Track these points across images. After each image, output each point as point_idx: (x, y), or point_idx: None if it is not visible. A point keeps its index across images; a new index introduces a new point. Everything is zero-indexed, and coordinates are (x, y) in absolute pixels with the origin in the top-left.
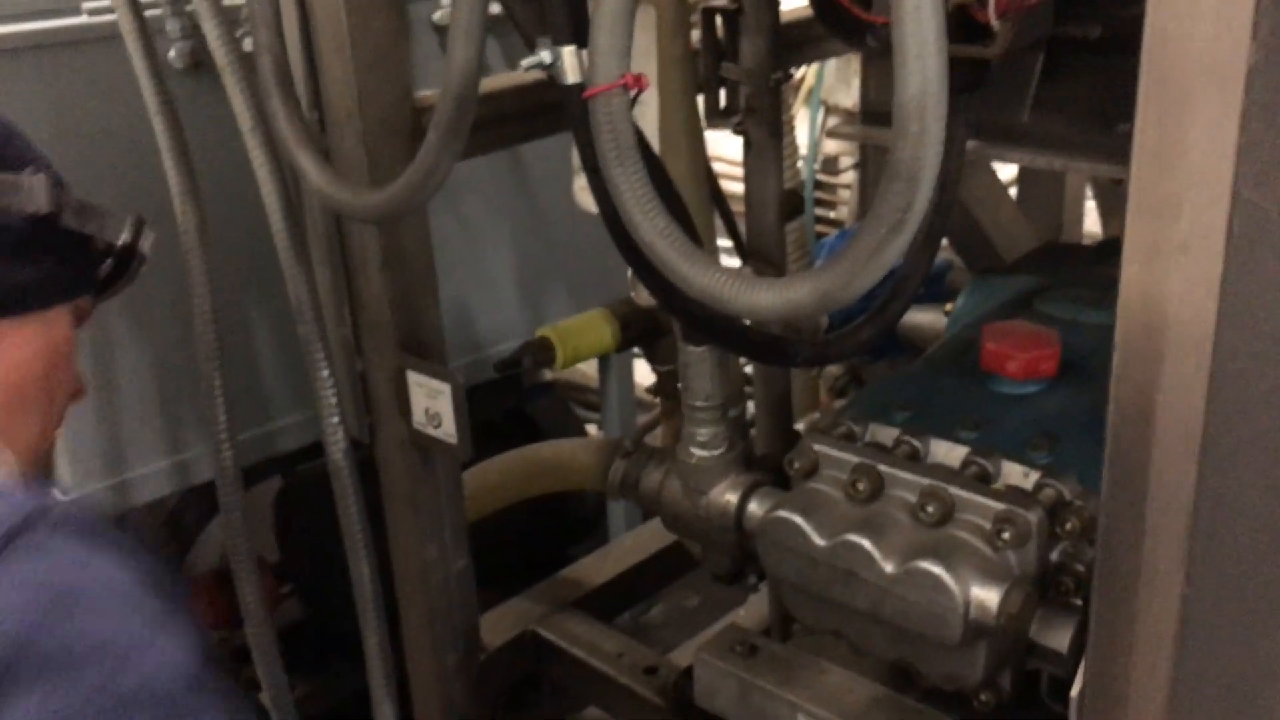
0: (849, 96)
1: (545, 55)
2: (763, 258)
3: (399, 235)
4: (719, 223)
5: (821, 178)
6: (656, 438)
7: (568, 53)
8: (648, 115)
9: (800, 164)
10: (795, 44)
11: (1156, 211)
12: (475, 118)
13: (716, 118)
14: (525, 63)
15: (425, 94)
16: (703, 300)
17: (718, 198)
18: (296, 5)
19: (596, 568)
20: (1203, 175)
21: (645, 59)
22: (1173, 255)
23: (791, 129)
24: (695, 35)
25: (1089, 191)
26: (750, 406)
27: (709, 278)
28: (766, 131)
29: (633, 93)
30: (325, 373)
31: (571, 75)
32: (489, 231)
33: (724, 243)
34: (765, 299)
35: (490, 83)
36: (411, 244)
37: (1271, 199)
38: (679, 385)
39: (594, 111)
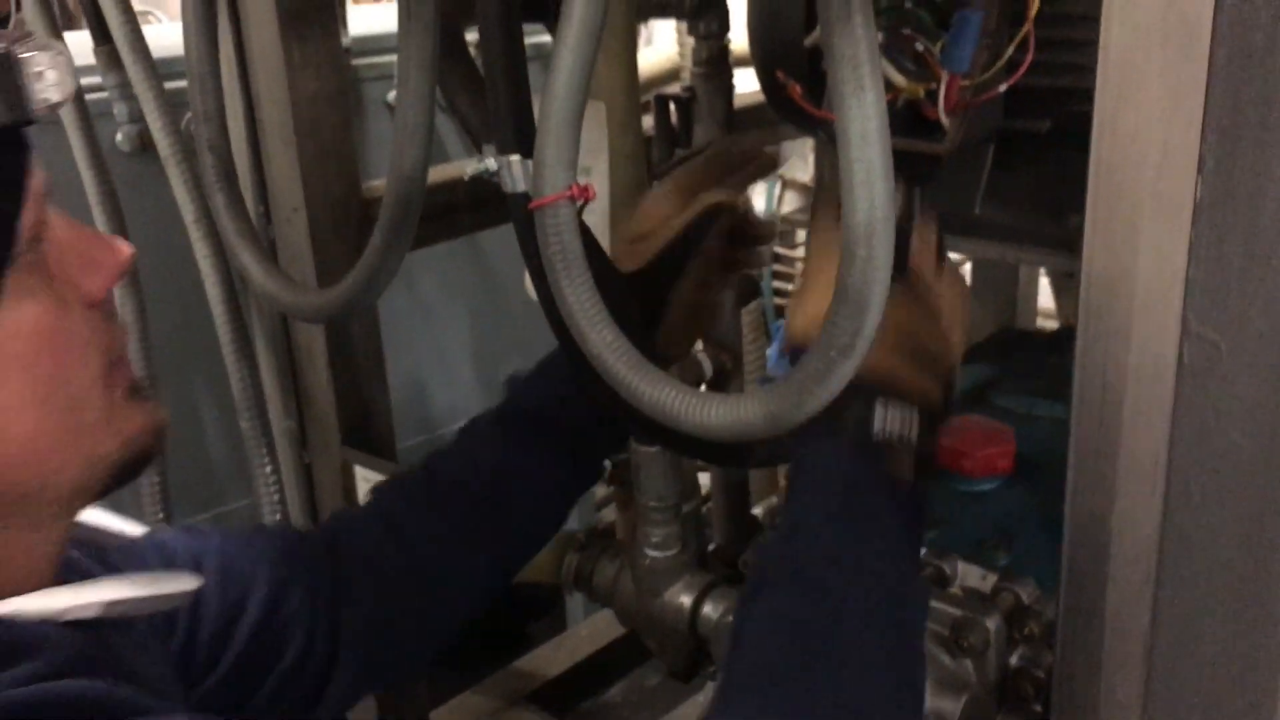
0: (805, 171)
1: (491, 163)
2: (717, 343)
3: (347, 328)
4: None
5: (779, 250)
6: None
7: (514, 161)
8: (598, 211)
9: None
10: (748, 129)
11: (1106, 341)
12: (426, 207)
13: None
14: (469, 170)
15: (375, 184)
16: (652, 415)
17: None
18: (243, 96)
19: (551, 657)
20: (1151, 306)
21: (596, 154)
22: (1123, 385)
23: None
24: (647, 121)
25: (1042, 271)
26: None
27: (658, 393)
28: None
29: (579, 202)
30: (267, 469)
31: (517, 184)
32: (444, 310)
33: None
34: (715, 417)
35: (443, 171)
36: (360, 336)
37: (1221, 332)
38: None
39: (540, 222)
